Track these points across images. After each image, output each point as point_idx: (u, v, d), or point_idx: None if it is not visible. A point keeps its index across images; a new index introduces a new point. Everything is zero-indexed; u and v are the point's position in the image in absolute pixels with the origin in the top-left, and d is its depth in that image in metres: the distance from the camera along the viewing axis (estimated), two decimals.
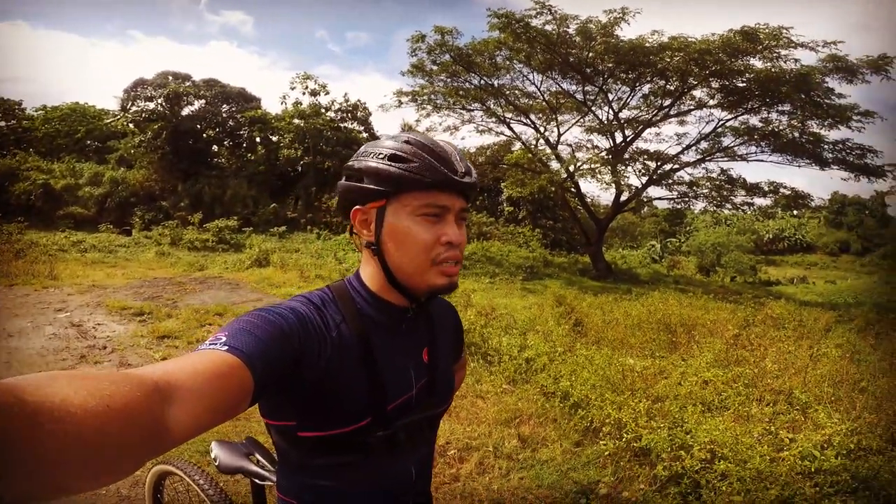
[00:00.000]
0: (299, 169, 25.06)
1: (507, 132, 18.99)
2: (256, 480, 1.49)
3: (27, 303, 7.56)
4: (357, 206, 0.89)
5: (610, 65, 15.03)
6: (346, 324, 0.88)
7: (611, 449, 3.25)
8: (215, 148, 25.95)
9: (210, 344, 0.69)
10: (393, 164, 0.84)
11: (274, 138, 25.79)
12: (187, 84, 24.60)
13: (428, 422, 0.99)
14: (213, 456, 1.56)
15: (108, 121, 27.10)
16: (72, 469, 0.41)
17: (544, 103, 17.65)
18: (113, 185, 22.33)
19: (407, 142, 0.86)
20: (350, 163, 0.90)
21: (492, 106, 17.81)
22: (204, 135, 24.84)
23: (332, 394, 0.83)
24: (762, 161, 16.51)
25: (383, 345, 0.91)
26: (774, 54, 13.58)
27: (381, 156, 0.85)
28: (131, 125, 24.87)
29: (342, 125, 26.26)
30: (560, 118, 18.21)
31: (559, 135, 18.46)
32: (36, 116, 28.51)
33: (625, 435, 3.27)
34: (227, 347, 0.68)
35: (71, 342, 5.73)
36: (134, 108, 24.48)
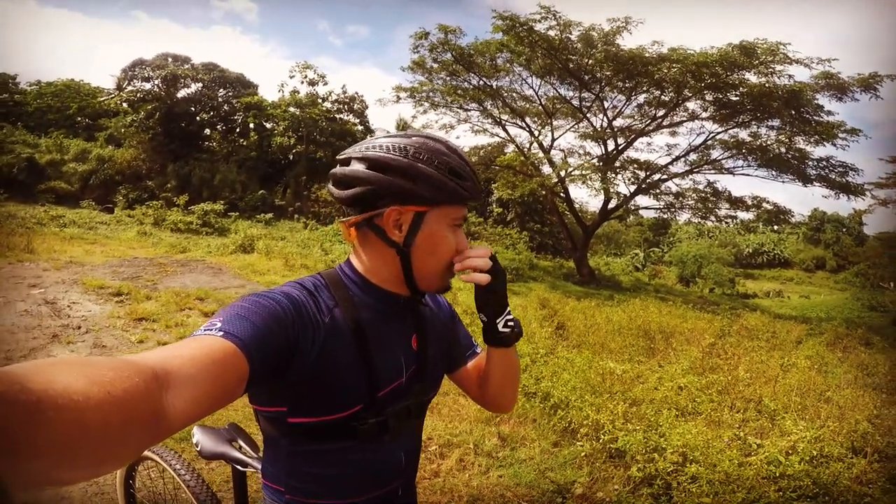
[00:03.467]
0: (291, 157, 24.89)
1: (502, 134, 19.08)
2: (238, 467, 1.46)
3: (0, 276, 7.29)
4: (395, 206, 0.87)
5: (608, 73, 15.09)
6: (339, 309, 0.88)
7: (587, 450, 3.35)
8: (208, 131, 25.71)
9: (205, 330, 0.69)
10: (453, 178, 0.88)
11: (268, 125, 25.61)
12: (186, 67, 24.33)
13: (417, 408, 1.00)
14: (195, 441, 1.53)
15: (102, 99, 26.63)
16: (73, 457, 0.40)
17: (541, 107, 17.74)
18: (99, 162, 21.99)
19: (460, 157, 0.91)
20: (396, 158, 0.86)
21: (489, 107, 17.85)
22: (198, 118, 24.62)
23: (325, 380, 0.83)
24: (748, 175, 16.66)
25: (375, 331, 0.91)
26: (770, 70, 13.52)
27: (436, 164, 0.87)
28: (125, 104, 24.51)
29: (338, 116, 26.17)
30: (555, 123, 18.34)
31: (553, 139, 18.58)
32: (29, 91, 27.99)
33: (602, 436, 3.37)
34: (222, 333, 0.68)
35: (44, 320, 5.46)
36: (130, 88, 24.17)
